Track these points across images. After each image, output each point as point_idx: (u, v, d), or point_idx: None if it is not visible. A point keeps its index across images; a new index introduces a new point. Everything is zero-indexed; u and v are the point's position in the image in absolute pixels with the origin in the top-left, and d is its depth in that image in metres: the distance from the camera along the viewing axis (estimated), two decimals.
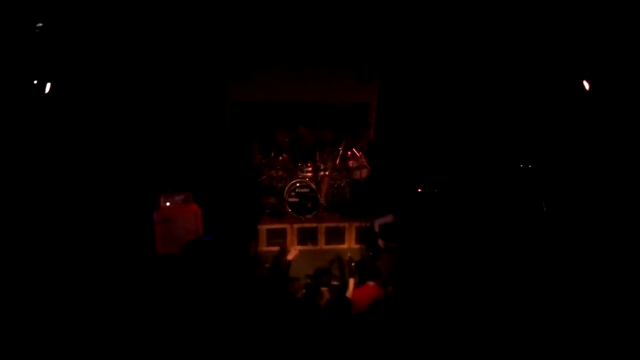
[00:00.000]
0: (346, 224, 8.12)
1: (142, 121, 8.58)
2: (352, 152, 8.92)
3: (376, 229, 7.65)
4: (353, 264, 6.73)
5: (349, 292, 5.70)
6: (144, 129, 8.59)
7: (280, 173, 8.54)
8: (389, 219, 7.63)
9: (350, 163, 8.80)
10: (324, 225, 8.12)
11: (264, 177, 8.60)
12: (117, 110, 8.44)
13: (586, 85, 7.86)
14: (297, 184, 8.25)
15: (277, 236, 8.04)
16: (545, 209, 8.16)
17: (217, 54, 8.54)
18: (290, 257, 6.12)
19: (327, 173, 8.50)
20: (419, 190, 8.75)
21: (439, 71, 8.98)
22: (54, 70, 7.46)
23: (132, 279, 6.28)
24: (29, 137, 7.53)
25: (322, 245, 8.08)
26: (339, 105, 9.44)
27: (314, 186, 8.25)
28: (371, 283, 6.03)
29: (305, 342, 4.89)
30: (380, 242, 7.54)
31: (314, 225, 8.11)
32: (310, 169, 8.56)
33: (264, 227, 8.01)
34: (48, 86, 7.41)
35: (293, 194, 8.20)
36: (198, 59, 8.55)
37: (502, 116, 9.12)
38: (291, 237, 8.04)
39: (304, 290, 5.74)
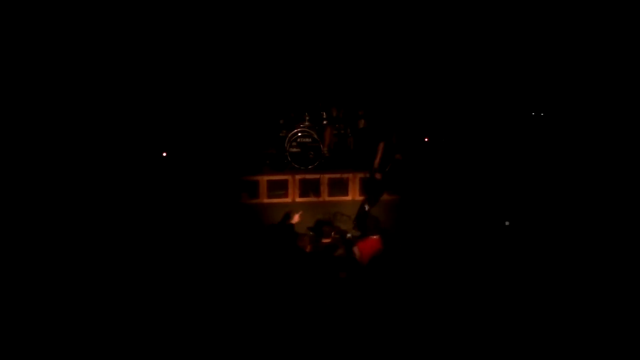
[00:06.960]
0: (350, 175, 7.80)
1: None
2: None
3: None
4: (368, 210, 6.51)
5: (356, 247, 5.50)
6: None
7: None
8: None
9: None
10: (327, 176, 7.79)
11: None
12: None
13: None
14: (299, 134, 7.85)
15: (277, 188, 7.73)
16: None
17: None
18: (294, 220, 5.92)
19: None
20: (426, 139, 8.44)
21: None
22: None
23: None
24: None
25: (325, 197, 7.79)
26: None
27: (316, 136, 7.85)
28: (374, 237, 5.80)
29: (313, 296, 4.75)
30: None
31: (317, 176, 7.78)
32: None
33: (264, 179, 7.69)
34: None
35: (294, 143, 7.82)
36: None
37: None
38: (293, 189, 7.73)
39: (310, 245, 5.48)
